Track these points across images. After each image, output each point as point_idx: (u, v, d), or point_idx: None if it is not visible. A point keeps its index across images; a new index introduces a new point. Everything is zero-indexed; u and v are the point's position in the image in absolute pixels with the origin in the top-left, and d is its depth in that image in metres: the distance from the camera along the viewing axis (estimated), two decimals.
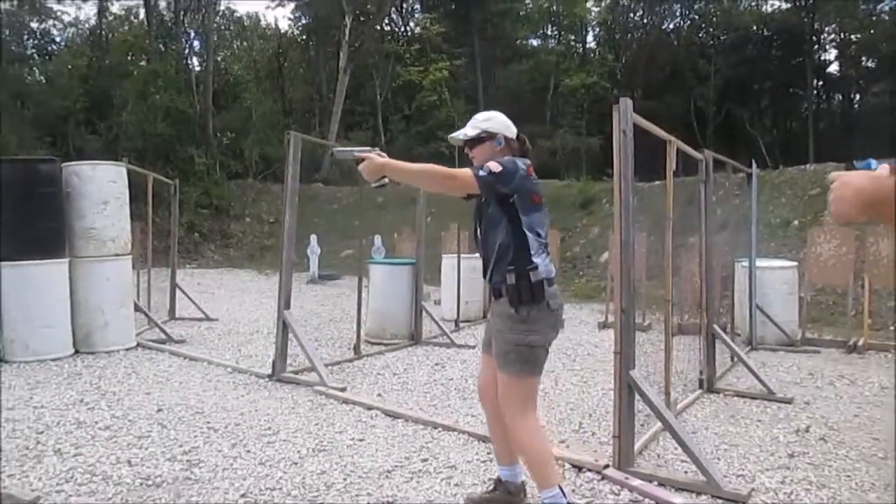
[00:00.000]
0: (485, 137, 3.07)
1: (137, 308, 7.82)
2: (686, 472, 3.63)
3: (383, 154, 2.93)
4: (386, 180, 2.91)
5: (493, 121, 3.12)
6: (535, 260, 2.86)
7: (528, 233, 2.88)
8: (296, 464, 3.72)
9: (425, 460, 3.81)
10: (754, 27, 28.12)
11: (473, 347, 7.42)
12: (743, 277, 7.66)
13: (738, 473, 3.67)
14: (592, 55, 30.66)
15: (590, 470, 3.66)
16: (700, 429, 4.50)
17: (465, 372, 6.21)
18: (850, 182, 1.40)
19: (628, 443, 3.66)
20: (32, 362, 6.24)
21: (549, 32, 32.25)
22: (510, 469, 3.16)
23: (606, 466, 3.63)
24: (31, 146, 20.77)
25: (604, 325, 8.83)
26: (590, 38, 32.22)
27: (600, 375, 6.03)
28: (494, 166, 2.82)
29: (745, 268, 7.59)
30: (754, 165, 7.54)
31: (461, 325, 8.78)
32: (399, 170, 2.89)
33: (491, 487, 3.24)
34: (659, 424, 4.00)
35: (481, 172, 2.80)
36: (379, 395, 5.37)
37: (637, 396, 3.66)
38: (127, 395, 5.21)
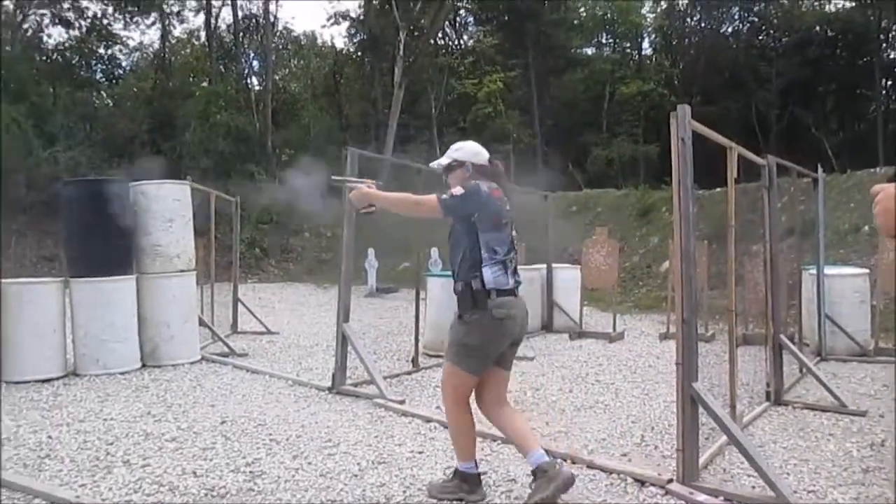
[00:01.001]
0: (455, 165, 3.48)
1: (201, 322, 8.00)
2: (753, 488, 3.52)
3: (372, 185, 3.53)
4: (373, 208, 3.47)
5: (463, 150, 3.52)
6: (483, 271, 3.25)
7: (482, 249, 3.27)
8: (356, 476, 3.75)
9: (484, 473, 3.78)
10: (817, 28, 27.32)
11: (532, 359, 7.37)
12: (811, 285, 7.42)
13: (809, 489, 3.54)
14: (648, 62, 30.30)
15: (653, 485, 3.58)
16: (768, 443, 4.37)
17: (524, 384, 6.17)
18: (893, 194, 1.36)
19: (692, 457, 3.57)
20: (102, 375, 6.45)
21: (603, 40, 31.99)
22: (532, 455, 3.32)
23: (670, 481, 3.55)
24: (99, 167, 21.56)
25: (665, 336, 8.67)
26: (645, 44, 31.85)
27: (662, 387, 5.92)
28: (457, 190, 3.27)
29: (812, 275, 7.35)
30: (820, 170, 7.31)
31: None
32: (381, 198, 3.47)
33: (531, 478, 3.36)
34: (724, 438, 3.89)
35: (444, 196, 3.25)
36: (438, 407, 5.35)
37: (701, 409, 3.57)
38: (192, 407, 5.33)
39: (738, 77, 27.04)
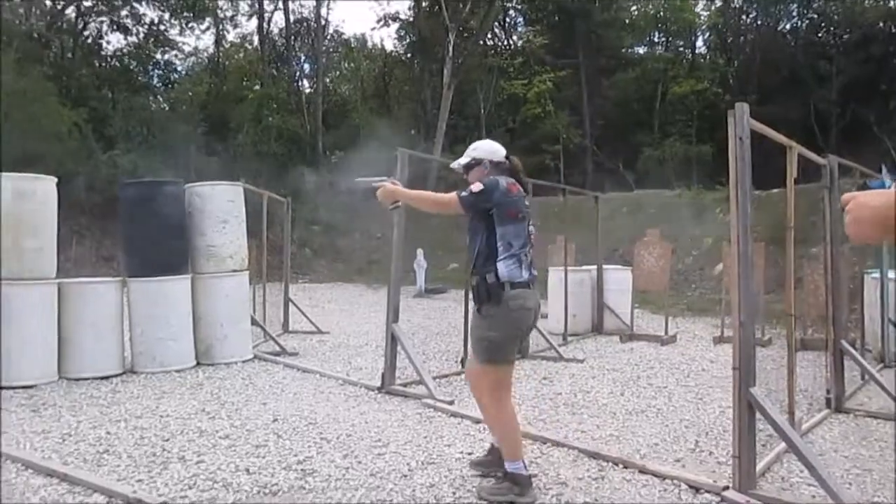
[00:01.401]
0: (474, 164, 3.65)
1: (254, 322, 8.13)
2: (813, 497, 3.42)
3: (396, 183, 3.71)
4: (399, 203, 3.69)
5: (479, 149, 3.70)
6: (498, 265, 3.37)
7: (499, 242, 3.40)
8: (405, 476, 3.75)
9: (534, 476, 3.74)
10: (880, 24, 26.43)
11: (582, 361, 7.29)
12: (873, 290, 7.17)
13: (872, 501, 3.42)
14: (702, 60, 29.69)
15: (708, 491, 3.50)
16: (828, 451, 4.23)
17: (574, 386, 6.11)
18: (866, 203, 1.38)
19: (749, 463, 3.48)
20: (158, 373, 6.59)
21: (656, 39, 31.46)
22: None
23: (726, 488, 3.47)
24: (156, 169, 22.11)
25: (719, 340, 8.49)
26: (699, 42, 31.20)
27: (716, 392, 5.79)
28: (476, 186, 3.41)
29: (875, 280, 7.11)
30: (884, 169, 7.06)
31: (569, 338, 8.64)
32: (405, 195, 3.68)
33: (486, 451, 3.77)
34: (782, 445, 3.79)
35: (464, 193, 3.39)
36: None
37: (758, 415, 3.47)
38: (245, 405, 5.41)
39: (796, 75, 26.31)
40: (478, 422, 4.82)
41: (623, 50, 30.72)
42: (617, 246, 15.65)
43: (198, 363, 7.02)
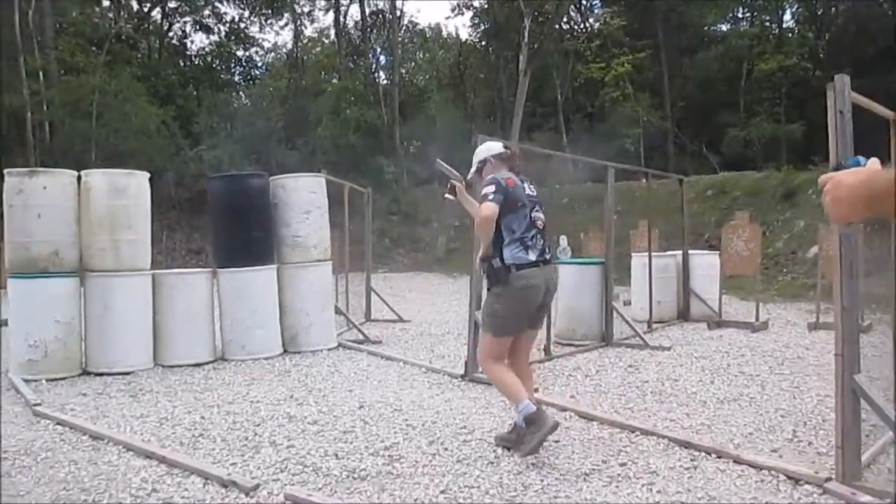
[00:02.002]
0: (481, 166, 4.15)
1: (337, 310, 8.26)
2: None
3: (463, 184, 4.24)
4: (452, 198, 4.21)
5: (479, 153, 4.20)
6: (503, 250, 3.82)
7: (503, 230, 3.84)
8: (492, 463, 3.73)
9: (624, 465, 3.67)
10: None
11: (668, 349, 7.11)
12: None
13: None
14: (790, 35, 28.38)
15: (809, 483, 3.35)
16: None
17: (661, 374, 5.95)
18: (843, 182, 1.37)
19: (854, 454, 3.30)
20: (248, 361, 6.78)
21: (740, 15, 30.26)
22: (521, 404, 3.76)
23: (828, 479, 3.31)
24: (239, 163, 22.79)
25: (815, 326, 8.13)
26: (787, 16, 29.79)
27: (813, 380, 5.55)
28: (489, 188, 3.83)
29: None
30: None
31: (654, 325, 8.45)
32: (464, 201, 4.22)
33: (510, 429, 4.01)
34: (889, 435, 3.59)
35: (490, 198, 3.78)
36: (572, 396, 5.27)
37: (863, 403, 3.29)
38: (331, 391, 5.50)
39: (894, 47, 24.88)
40: (563, 409, 4.77)
41: (705, 28, 29.68)
42: (702, 230, 15.22)
43: (284, 351, 7.19)
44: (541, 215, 3.97)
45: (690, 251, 9.44)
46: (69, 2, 24.75)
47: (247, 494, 3.34)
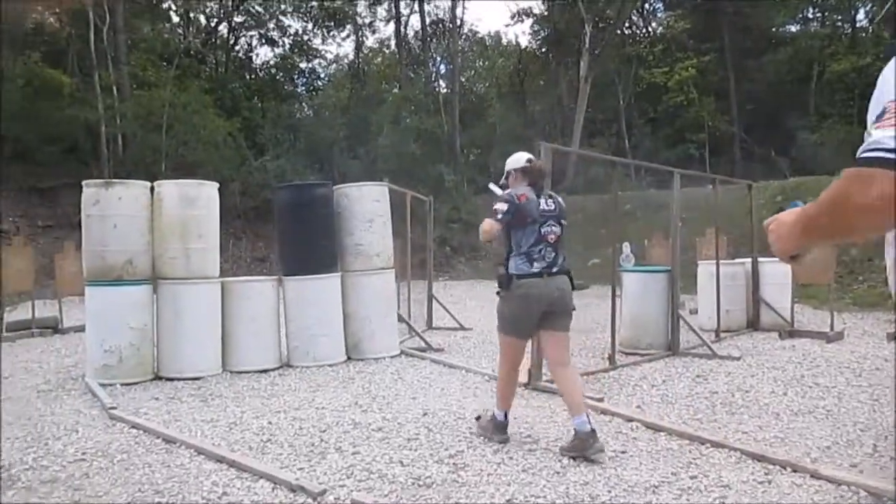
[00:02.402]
0: (508, 176, 4.47)
1: (400, 318, 8.30)
2: None
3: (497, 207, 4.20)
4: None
5: (507, 164, 4.50)
6: (510, 260, 4.19)
7: (511, 243, 4.19)
8: (558, 473, 3.68)
9: (694, 477, 3.58)
10: None
11: (738, 359, 6.91)
12: None
13: None
14: (863, 34, 27.44)
15: (892, 500, 3.20)
16: None
17: (731, 385, 5.79)
18: (783, 220, 1.56)
19: None
20: (312, 367, 6.87)
21: (810, 15, 29.38)
22: (579, 419, 3.94)
23: None
24: (303, 173, 23.20)
25: (894, 337, 7.79)
26: (860, 15, 28.82)
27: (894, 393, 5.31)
28: (500, 206, 4.13)
29: None
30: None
31: (722, 335, 8.23)
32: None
33: (571, 438, 4.04)
34: None
35: (499, 216, 4.10)
36: (638, 406, 5.17)
37: None
38: (395, 399, 5.53)
39: None
40: (629, 419, 4.68)
41: (773, 29, 28.93)
42: None
43: (348, 358, 7.26)
44: (555, 229, 4.20)
45: (760, 259, 9.18)
46: (141, 19, 25.67)
47: (314, 500, 3.38)
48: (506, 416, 4.34)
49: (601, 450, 3.87)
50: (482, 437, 4.33)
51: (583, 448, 3.87)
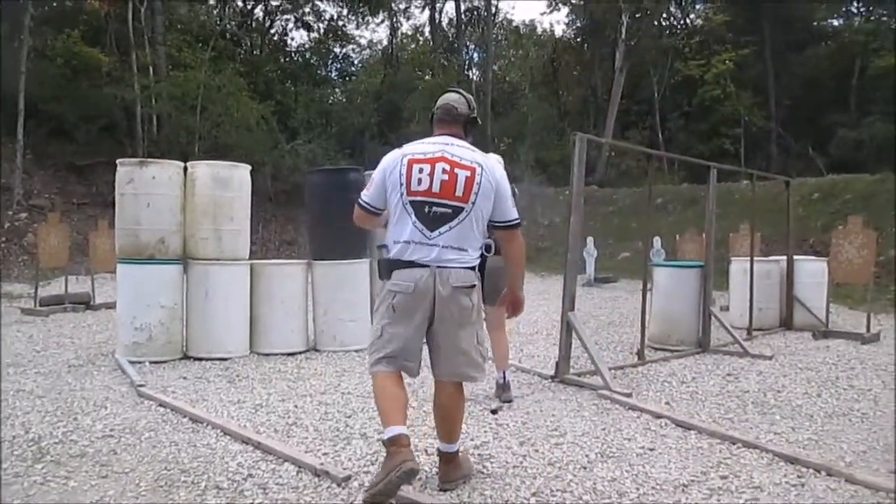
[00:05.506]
0: None
1: None
2: None
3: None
4: None
5: None
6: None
7: None
8: (585, 468, 3.63)
9: (725, 477, 3.51)
10: None
11: (770, 358, 6.78)
12: None
13: None
14: None
15: None
16: None
17: (763, 384, 5.68)
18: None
19: None
20: (339, 352, 6.87)
21: (853, 10, 28.68)
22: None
23: None
24: (334, 157, 23.25)
25: None
26: None
27: None
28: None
29: None
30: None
31: (754, 333, 8.09)
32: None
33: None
34: None
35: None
36: (667, 403, 5.09)
37: None
38: (420, 387, 5.45)
39: None
40: (658, 417, 4.61)
41: (815, 23, 28.31)
42: (808, 235, 14.51)
43: None
44: None
45: (795, 257, 9.00)
46: (178, 0, 25.83)
47: (339, 485, 3.37)
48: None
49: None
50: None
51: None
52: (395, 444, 3.13)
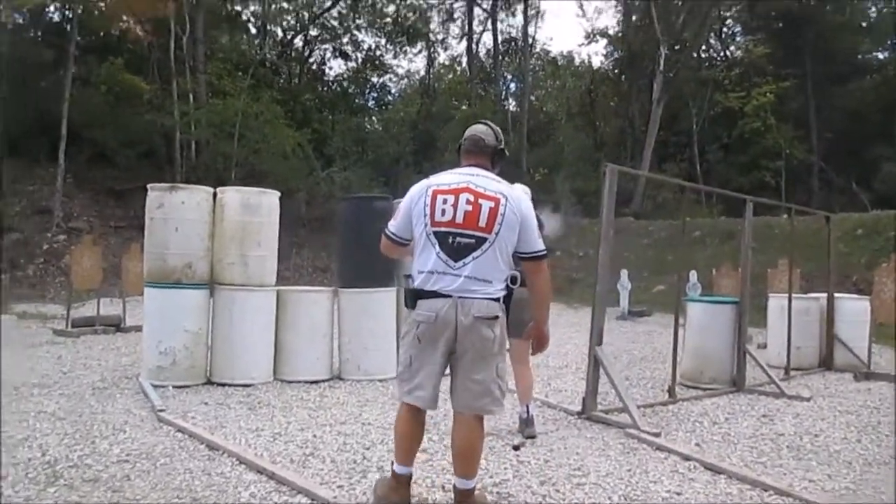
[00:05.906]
0: None
1: None
2: None
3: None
4: None
5: None
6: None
7: None
8: None
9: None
10: None
11: (808, 400, 6.53)
12: None
13: None
14: None
15: None
16: None
17: (799, 428, 5.45)
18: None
19: None
20: (363, 381, 6.79)
21: None
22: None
23: None
24: (368, 186, 23.40)
25: None
26: None
27: None
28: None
29: None
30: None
31: (791, 373, 7.82)
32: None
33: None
34: None
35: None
36: (697, 444, 4.90)
37: None
38: (443, 419, 5.34)
39: None
40: (687, 459, 4.43)
41: (859, 56, 27.89)
42: (850, 272, 14.12)
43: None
44: None
45: (837, 294, 8.72)
46: (219, 30, 26.44)
47: None
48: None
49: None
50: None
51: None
52: (395, 480, 3.39)
